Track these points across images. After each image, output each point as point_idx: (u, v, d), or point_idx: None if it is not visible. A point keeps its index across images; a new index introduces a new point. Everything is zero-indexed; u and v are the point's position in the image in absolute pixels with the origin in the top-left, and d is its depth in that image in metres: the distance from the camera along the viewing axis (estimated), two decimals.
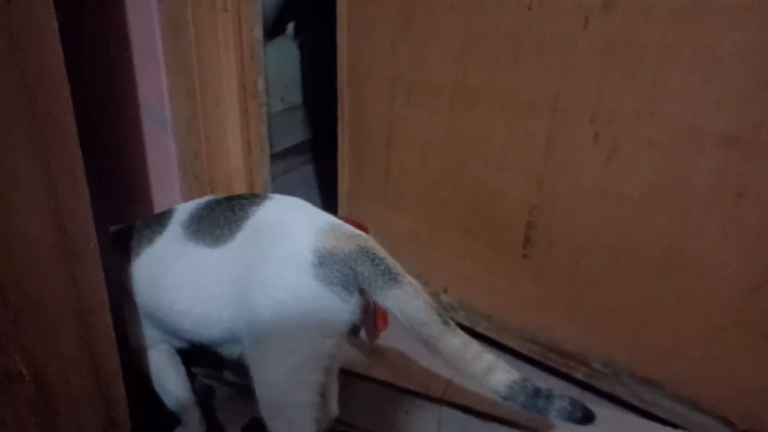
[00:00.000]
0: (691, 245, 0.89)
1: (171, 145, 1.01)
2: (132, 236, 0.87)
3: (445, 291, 1.24)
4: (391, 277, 0.73)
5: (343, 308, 0.74)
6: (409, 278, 0.74)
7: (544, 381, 0.94)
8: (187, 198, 1.03)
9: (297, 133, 2.40)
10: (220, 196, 0.87)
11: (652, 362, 0.99)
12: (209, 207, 0.84)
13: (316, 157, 2.50)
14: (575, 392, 1.08)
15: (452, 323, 0.74)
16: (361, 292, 0.75)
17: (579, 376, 1.07)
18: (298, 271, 0.73)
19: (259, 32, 1.06)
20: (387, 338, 1.18)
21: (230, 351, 0.85)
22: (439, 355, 0.74)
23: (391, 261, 0.75)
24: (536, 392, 0.72)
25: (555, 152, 1.00)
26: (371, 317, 1.16)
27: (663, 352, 0.97)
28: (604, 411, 0.93)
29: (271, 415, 0.79)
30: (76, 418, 0.70)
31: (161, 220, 0.87)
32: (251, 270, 0.76)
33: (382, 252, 0.75)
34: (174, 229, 0.85)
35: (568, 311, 1.06)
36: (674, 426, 0.94)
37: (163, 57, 0.95)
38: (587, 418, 0.73)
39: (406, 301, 0.72)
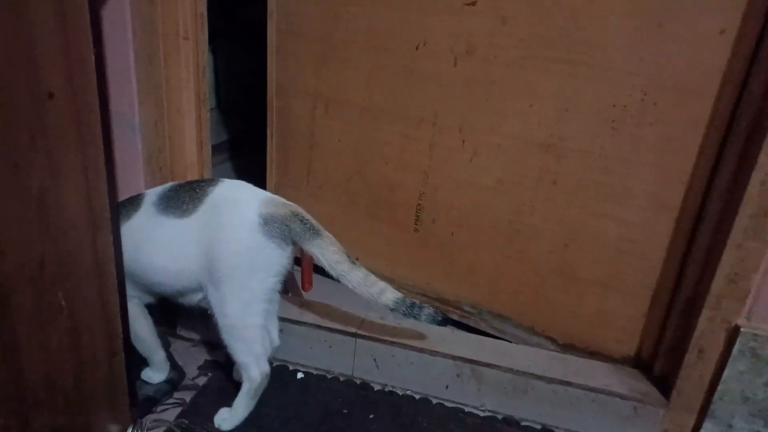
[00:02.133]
0: (525, 218, 1.30)
1: (138, 143, 1.25)
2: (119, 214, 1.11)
3: (357, 260, 1.57)
4: (315, 232, 1.06)
5: (281, 254, 1.06)
6: (326, 233, 1.08)
7: (428, 329, 1.30)
8: (150, 185, 1.28)
9: (213, 135, 2.61)
10: (181, 181, 1.14)
11: (503, 303, 1.38)
12: (174, 189, 1.12)
13: (232, 157, 2.73)
14: (450, 333, 1.45)
15: (357, 262, 1.08)
16: (294, 243, 1.07)
17: (455, 317, 1.45)
18: (248, 230, 1.04)
19: (206, 54, 1.33)
20: (312, 296, 1.49)
21: (191, 299, 1.14)
22: (348, 283, 1.08)
23: (314, 221, 1.08)
24: (412, 304, 1.10)
25: (435, 154, 1.37)
26: (301, 280, 1.47)
27: (510, 294, 1.37)
28: (471, 336, 1.32)
29: (230, 338, 1.08)
30: (91, 344, 0.94)
31: (135, 200, 1.13)
32: (213, 232, 1.05)
33: (307, 215, 1.09)
34: (147, 207, 1.11)
35: (446, 270, 1.43)
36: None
37: (134, 75, 1.20)
38: (445, 321, 1.12)
39: (325, 247, 1.06)
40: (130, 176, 1.28)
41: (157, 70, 1.19)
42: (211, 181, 1.11)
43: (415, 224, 1.45)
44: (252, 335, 1.08)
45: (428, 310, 1.10)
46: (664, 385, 1.18)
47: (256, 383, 1.10)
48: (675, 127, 1.10)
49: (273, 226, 1.04)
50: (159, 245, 1.08)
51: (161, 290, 1.14)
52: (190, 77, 1.24)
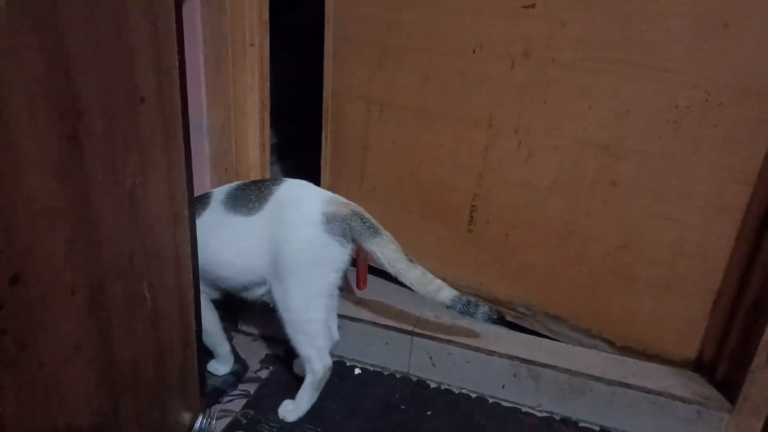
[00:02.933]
0: (581, 219, 1.30)
1: (206, 145, 1.31)
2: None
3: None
4: (374, 231, 1.10)
5: (342, 251, 1.10)
6: (385, 231, 1.12)
7: (485, 329, 1.32)
8: (215, 186, 1.33)
9: None
10: (246, 181, 1.18)
11: (558, 304, 1.39)
12: (240, 188, 1.17)
13: (279, 159, 2.80)
14: (506, 333, 1.46)
15: (414, 260, 1.10)
16: (354, 241, 1.10)
17: (508, 318, 1.45)
18: (312, 227, 1.08)
19: (268, 60, 1.39)
20: (367, 294, 1.52)
21: (255, 293, 1.19)
22: (406, 281, 1.11)
23: (374, 220, 1.12)
24: (468, 302, 1.13)
25: (490, 155, 1.38)
26: (356, 278, 1.50)
27: (565, 295, 1.37)
28: (526, 336, 1.33)
29: (294, 331, 1.13)
30: (169, 334, 0.99)
31: (203, 199, 1.18)
32: (278, 229, 1.10)
33: (367, 214, 1.13)
34: (215, 205, 1.16)
35: (499, 270, 1.45)
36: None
37: (204, 80, 1.26)
38: (500, 319, 1.15)
39: (385, 245, 1.09)
40: (198, 177, 1.31)
41: (225, 75, 1.25)
42: (276, 181, 1.16)
43: (469, 225, 1.46)
44: (314, 329, 1.12)
45: (484, 308, 1.12)
46: (728, 389, 1.16)
47: (319, 375, 1.14)
48: (739, 127, 1.09)
49: (335, 224, 1.08)
50: (227, 241, 1.13)
51: (227, 285, 1.19)
52: (255, 82, 1.29)
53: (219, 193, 1.18)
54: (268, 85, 1.35)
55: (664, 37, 1.12)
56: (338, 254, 1.10)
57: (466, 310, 1.12)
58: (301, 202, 1.12)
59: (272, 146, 2.73)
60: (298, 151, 2.66)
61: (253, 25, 1.25)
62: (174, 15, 0.86)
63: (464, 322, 1.31)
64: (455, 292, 1.12)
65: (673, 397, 1.15)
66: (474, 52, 1.33)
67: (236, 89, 1.27)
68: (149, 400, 0.96)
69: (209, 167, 1.33)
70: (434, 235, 1.53)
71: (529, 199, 1.35)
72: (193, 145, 1.28)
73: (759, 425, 1.11)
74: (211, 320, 1.24)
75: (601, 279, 1.31)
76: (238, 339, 1.41)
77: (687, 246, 1.19)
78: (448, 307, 1.12)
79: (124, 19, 0.77)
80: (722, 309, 1.18)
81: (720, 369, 1.19)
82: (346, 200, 1.14)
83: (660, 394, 1.16)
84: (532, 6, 1.22)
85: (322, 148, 1.66)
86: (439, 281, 1.12)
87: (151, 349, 0.94)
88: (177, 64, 0.89)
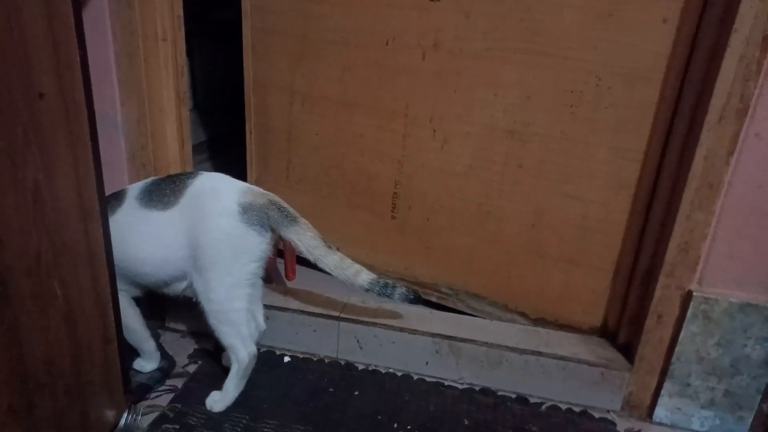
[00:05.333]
0: (495, 201, 1.37)
1: (121, 142, 1.30)
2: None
3: (338, 249, 1.63)
4: (292, 219, 1.13)
5: (261, 240, 1.12)
6: (303, 219, 1.15)
7: (408, 310, 1.37)
8: (132, 181, 1.32)
9: (192, 135, 2.65)
10: (161, 176, 1.18)
11: (478, 282, 1.46)
12: (155, 183, 1.17)
13: (211, 156, 2.77)
14: (428, 313, 1.52)
15: (333, 246, 1.14)
16: (272, 230, 1.13)
17: (433, 299, 1.52)
18: (229, 218, 1.10)
19: (184, 55, 1.38)
20: (296, 284, 1.55)
21: (176, 288, 1.19)
22: (325, 267, 1.14)
23: (291, 209, 1.15)
24: (386, 284, 1.17)
25: (408, 144, 1.44)
26: (285, 269, 1.52)
27: (484, 274, 1.44)
28: (448, 314, 1.39)
29: (217, 322, 1.14)
30: (87, 331, 0.99)
31: (118, 196, 1.17)
32: (195, 222, 1.11)
33: (284, 203, 1.15)
34: (130, 201, 1.15)
35: (423, 254, 1.51)
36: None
37: (116, 75, 1.24)
38: (416, 299, 1.19)
39: (302, 233, 1.13)
40: (114, 174, 1.32)
41: (138, 70, 1.24)
42: (190, 174, 1.16)
43: (392, 212, 1.51)
44: (237, 318, 1.13)
45: (400, 290, 1.17)
46: (628, 351, 1.27)
47: (244, 364, 1.16)
48: (628, 110, 1.18)
49: (252, 213, 1.10)
50: (144, 237, 1.13)
51: (147, 281, 1.18)
52: (169, 77, 1.29)
53: (133, 189, 1.17)
54: (185, 80, 1.35)
55: (560, 27, 1.20)
56: (256, 244, 1.12)
57: (384, 292, 1.17)
58: (217, 193, 1.13)
59: (202, 143, 2.73)
60: (228, 147, 2.64)
61: (164, 20, 1.24)
62: (72, 10, 0.86)
63: (389, 306, 1.36)
64: (373, 276, 1.17)
65: (580, 361, 1.25)
66: (387, 44, 1.38)
67: (150, 84, 1.26)
68: (68, 398, 0.96)
69: (126, 164, 1.31)
70: (361, 223, 1.57)
71: (446, 184, 1.42)
72: (107, 142, 1.28)
73: (654, 381, 1.22)
74: (133, 318, 1.23)
75: (515, 257, 1.39)
76: (166, 336, 1.41)
77: (590, 222, 1.29)
78: (366, 290, 1.16)
79: (17, 12, 0.76)
80: (621, 279, 1.28)
81: (621, 333, 1.29)
82: (262, 190, 1.16)
83: (569, 359, 1.25)
84: None
85: (247, 142, 1.67)
86: (357, 266, 1.16)
87: (67, 346, 0.94)
88: (79, 59, 0.89)
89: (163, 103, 1.29)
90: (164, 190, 1.14)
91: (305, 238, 1.12)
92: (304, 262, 1.52)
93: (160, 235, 1.13)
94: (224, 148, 2.80)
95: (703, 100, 1.04)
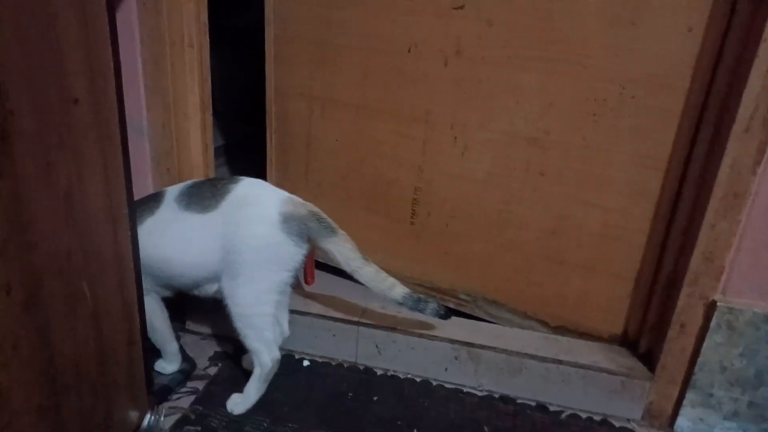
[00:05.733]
0: (514, 208, 1.37)
1: (146, 146, 1.32)
2: (134, 211, 1.16)
3: None
4: (331, 230, 1.13)
5: (297, 251, 1.12)
6: (341, 231, 1.15)
7: (427, 316, 1.38)
8: (158, 186, 1.34)
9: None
10: (202, 179, 1.18)
11: (496, 289, 1.46)
12: (196, 186, 1.17)
13: (228, 161, 2.79)
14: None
15: (369, 259, 1.15)
16: (310, 241, 1.13)
17: (451, 305, 1.52)
18: (269, 227, 1.10)
19: (208, 61, 1.40)
20: (314, 288, 1.55)
21: (208, 290, 1.20)
22: (361, 279, 1.15)
23: (330, 220, 1.15)
24: (419, 299, 1.18)
25: (429, 150, 1.44)
26: (304, 274, 1.53)
27: (502, 281, 1.44)
28: (467, 321, 1.39)
29: (242, 325, 1.15)
30: (112, 332, 1.00)
31: (157, 197, 1.18)
32: (234, 227, 1.11)
33: (324, 214, 1.16)
34: (169, 203, 1.16)
35: (441, 260, 1.51)
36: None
37: (142, 81, 1.26)
38: (447, 315, 1.20)
39: (341, 244, 1.13)
40: (139, 178, 1.33)
41: (164, 76, 1.26)
42: (232, 179, 1.17)
43: (411, 218, 1.52)
44: (263, 323, 1.14)
45: (433, 305, 1.18)
46: (650, 360, 1.26)
47: (267, 368, 1.16)
48: (651, 118, 1.18)
49: (292, 223, 1.11)
50: (181, 239, 1.14)
51: (180, 282, 1.19)
52: (194, 83, 1.31)
53: (172, 191, 1.18)
54: (209, 85, 1.37)
55: (582, 34, 1.20)
56: (293, 254, 1.13)
57: (417, 307, 1.18)
58: (259, 201, 1.14)
59: (220, 148, 2.75)
60: (245, 152, 2.66)
61: (191, 26, 1.26)
62: (107, 16, 0.88)
63: (408, 312, 1.36)
64: (407, 290, 1.17)
65: (600, 370, 1.24)
66: (409, 51, 1.38)
67: (176, 90, 1.28)
68: (93, 398, 0.97)
69: (150, 168, 1.33)
70: (379, 229, 1.58)
71: (466, 191, 1.42)
72: (133, 146, 1.29)
73: (676, 391, 1.21)
74: (160, 319, 1.24)
75: (534, 264, 1.39)
76: (187, 338, 1.42)
77: (610, 230, 1.28)
78: (399, 303, 1.17)
79: (53, 20, 0.78)
80: (643, 287, 1.27)
81: (642, 342, 1.28)
82: (302, 200, 1.17)
83: (589, 368, 1.25)
84: (461, 7, 1.29)
85: (267, 147, 1.68)
86: (392, 279, 1.17)
87: (94, 347, 0.95)
88: (112, 65, 0.91)
89: (188, 109, 1.31)
90: (204, 193, 1.14)
91: (343, 250, 1.13)
92: (321, 266, 1.54)
93: (197, 237, 1.13)
94: (241, 152, 2.82)
95: (729, 110, 1.04)
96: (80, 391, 0.93)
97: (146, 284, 1.20)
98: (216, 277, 1.16)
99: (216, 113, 2.91)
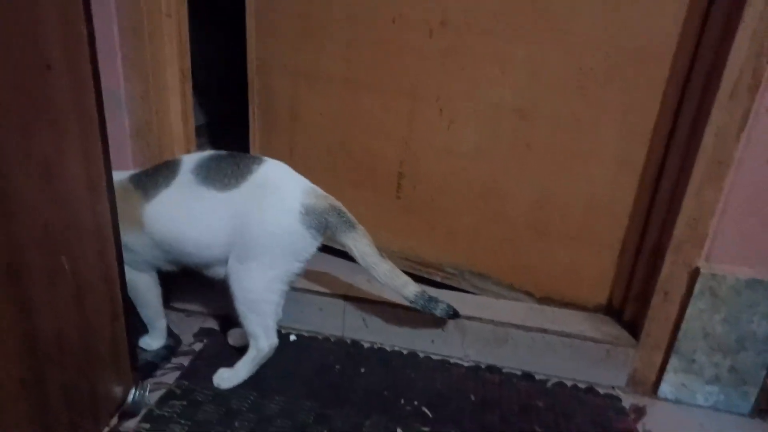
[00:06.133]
0: (500, 180, 1.37)
1: (125, 119, 1.28)
2: (148, 181, 1.12)
3: None
4: (350, 225, 1.12)
5: (313, 243, 1.11)
6: (360, 226, 1.13)
7: None
8: (138, 160, 1.31)
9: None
10: (221, 152, 1.14)
11: (483, 262, 1.46)
12: (215, 159, 1.11)
13: (211, 140, 2.75)
14: (436, 290, 1.52)
15: (385, 255, 1.14)
16: (327, 233, 1.11)
17: (437, 279, 1.52)
18: (289, 217, 1.08)
19: (187, 31, 1.37)
20: None
21: (216, 272, 1.16)
22: (375, 275, 1.14)
23: (350, 214, 1.13)
24: (430, 298, 1.17)
25: (415, 123, 1.43)
26: None
27: (489, 253, 1.44)
28: (454, 293, 1.39)
29: (246, 309, 1.13)
30: (94, 306, 0.98)
31: (171, 167, 1.12)
32: (253, 211, 1.07)
33: (344, 208, 1.13)
34: (185, 175, 1.10)
35: (428, 234, 1.50)
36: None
37: (120, 50, 1.23)
38: (455, 314, 1.19)
39: (359, 240, 1.12)
40: (119, 151, 1.30)
41: (142, 46, 1.22)
42: (255, 159, 1.12)
43: (397, 192, 1.51)
44: (267, 309, 1.13)
45: (443, 305, 1.18)
46: (634, 328, 1.27)
47: (263, 353, 1.16)
48: (637, 88, 1.18)
49: (312, 216, 1.08)
50: (196, 215, 1.09)
51: (190, 261, 1.15)
52: (174, 54, 1.27)
53: (188, 162, 1.13)
54: (188, 57, 1.33)
55: (568, 3, 1.19)
56: (308, 246, 1.11)
57: (427, 306, 1.17)
58: (282, 188, 1.10)
59: (202, 126, 2.71)
60: (228, 130, 2.62)
61: None
62: None
63: None
64: (419, 288, 1.16)
65: (585, 338, 1.25)
66: (394, 21, 1.36)
67: (154, 61, 1.24)
68: (77, 372, 0.95)
69: (130, 141, 1.30)
70: (365, 203, 1.56)
71: (452, 164, 1.41)
72: (111, 118, 1.26)
73: (659, 358, 1.23)
74: (154, 295, 1.23)
75: (521, 236, 1.39)
76: (171, 315, 1.40)
77: (596, 200, 1.28)
78: (411, 302, 1.16)
79: None
80: (627, 256, 1.29)
81: (627, 311, 1.30)
82: (324, 193, 1.14)
83: (574, 337, 1.26)
84: None
85: (250, 123, 1.66)
86: (405, 277, 1.16)
87: (75, 320, 0.94)
88: (85, 31, 0.87)
89: (167, 80, 1.28)
90: (225, 170, 1.09)
91: (360, 245, 1.12)
92: None
93: (212, 215, 1.09)
94: (224, 131, 2.78)
95: (715, 77, 1.04)
96: (63, 365, 0.92)
97: (153, 260, 1.17)
98: (225, 259, 1.12)
99: (197, 91, 2.86)
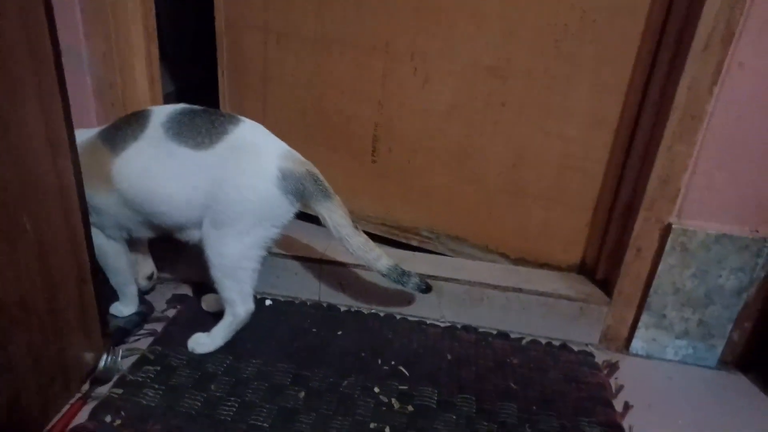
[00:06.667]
0: (475, 140, 1.36)
1: (87, 78, 1.23)
2: (116, 134, 1.06)
3: None
4: (326, 194, 1.08)
5: (290, 209, 1.07)
6: (336, 196, 1.10)
7: (392, 253, 1.37)
8: (101, 120, 1.26)
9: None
10: (195, 106, 1.08)
11: (458, 224, 1.46)
12: (187, 114, 1.06)
13: None
14: (411, 254, 1.52)
15: (359, 228, 1.11)
16: (302, 201, 1.08)
17: (414, 243, 1.52)
18: (266, 182, 1.03)
19: None
20: None
21: (191, 235, 1.12)
22: (349, 247, 1.11)
23: (326, 183, 1.09)
24: (403, 272, 1.15)
25: (389, 83, 1.40)
26: None
27: (464, 216, 1.44)
28: (430, 256, 1.39)
29: (222, 275, 1.10)
30: (60, 269, 0.95)
31: (140, 119, 1.06)
32: (227, 174, 1.03)
33: (321, 176, 1.09)
34: (156, 128, 1.05)
35: (403, 197, 1.49)
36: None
37: (78, 4, 1.17)
38: (428, 288, 1.18)
39: (334, 210, 1.09)
40: (82, 111, 1.25)
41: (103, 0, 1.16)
42: (232, 118, 1.07)
43: (372, 155, 1.49)
44: (244, 276, 1.10)
45: (415, 279, 1.16)
46: (606, 286, 1.29)
47: (240, 318, 1.14)
48: (612, 43, 1.17)
49: (289, 181, 1.04)
50: (167, 173, 1.04)
51: (163, 221, 1.10)
52: (137, 10, 1.22)
53: (159, 114, 1.07)
54: (153, 14, 1.28)
55: None
56: (285, 212, 1.07)
57: (400, 280, 1.15)
58: (258, 151, 1.06)
59: (171, 94, 2.63)
60: (198, 97, 2.56)
61: None
62: None
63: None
64: (392, 262, 1.14)
65: (559, 297, 1.27)
66: None
67: (116, 17, 1.19)
68: (43, 335, 0.93)
69: (93, 101, 1.25)
70: (340, 167, 1.54)
71: (427, 125, 1.39)
72: (73, 77, 1.20)
73: (631, 315, 1.25)
74: (123, 261, 1.19)
75: (495, 197, 1.38)
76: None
77: (570, 160, 1.28)
78: (383, 275, 1.14)
79: None
80: (601, 215, 1.29)
81: (600, 269, 1.32)
82: (302, 158, 1.10)
83: (549, 295, 1.27)
84: None
85: (219, 84, 1.61)
86: (378, 250, 1.14)
87: (40, 282, 0.91)
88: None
89: (131, 38, 1.22)
90: (199, 128, 1.04)
91: (335, 216, 1.09)
92: None
93: (184, 174, 1.04)
94: (193, 98, 2.71)
95: (689, 28, 1.03)
96: (28, 327, 0.89)
97: (124, 221, 1.12)
98: (199, 223, 1.09)
99: (165, 57, 2.77)
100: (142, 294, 1.31)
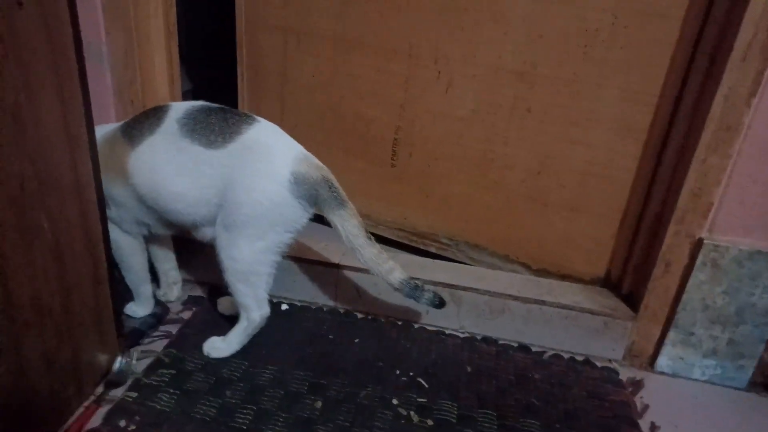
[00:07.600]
0: (498, 147, 1.33)
1: (107, 75, 1.21)
2: (135, 127, 1.05)
3: None
4: (340, 202, 1.05)
5: (303, 215, 1.04)
6: (350, 204, 1.06)
7: (410, 260, 1.34)
8: (120, 117, 1.24)
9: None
10: (211, 104, 1.06)
11: (478, 233, 1.43)
12: (203, 111, 1.04)
13: None
14: (430, 261, 1.49)
15: (372, 238, 1.08)
16: (315, 206, 1.05)
17: (432, 249, 1.49)
18: (278, 184, 1.00)
19: None
20: None
21: (204, 234, 1.10)
22: (361, 258, 1.07)
23: (341, 191, 1.06)
24: (415, 287, 1.11)
25: (411, 86, 1.37)
26: None
27: (484, 224, 1.41)
28: (449, 264, 1.35)
29: (235, 280, 1.07)
30: (75, 269, 0.93)
31: (159, 114, 1.05)
32: (240, 175, 1.00)
33: (336, 183, 1.06)
34: (171, 124, 1.03)
35: (422, 203, 1.46)
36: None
37: (100, 1, 1.15)
38: (441, 303, 1.13)
39: (347, 219, 1.05)
40: (101, 109, 1.23)
41: None
42: (247, 118, 1.05)
43: (392, 159, 1.46)
44: (258, 281, 1.08)
45: (429, 294, 1.11)
46: (632, 300, 1.25)
47: (254, 324, 1.11)
48: (644, 49, 1.13)
49: (302, 186, 1.01)
50: (179, 169, 1.02)
51: (177, 219, 1.08)
52: (158, 6, 1.20)
53: (176, 109, 1.05)
54: (174, 11, 1.26)
55: None
56: (298, 217, 1.04)
57: (413, 294, 1.10)
58: (272, 153, 1.02)
59: (187, 93, 2.62)
60: (214, 97, 2.55)
61: None
62: None
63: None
64: (405, 275, 1.10)
65: (582, 310, 1.23)
66: None
67: (137, 12, 1.17)
68: (58, 339, 0.91)
69: (113, 98, 1.23)
70: (358, 171, 1.52)
71: (449, 130, 1.36)
72: (93, 74, 1.19)
73: (658, 331, 1.21)
74: (140, 260, 1.18)
75: (517, 205, 1.35)
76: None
77: (595, 168, 1.25)
78: (396, 289, 1.10)
79: None
80: (627, 227, 1.26)
81: (625, 283, 1.27)
82: (318, 162, 1.07)
83: (571, 308, 1.23)
84: None
85: (239, 85, 1.59)
86: (392, 262, 1.10)
87: (55, 284, 0.88)
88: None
89: (151, 34, 1.21)
90: (213, 126, 1.02)
91: (348, 225, 1.05)
92: None
93: (197, 172, 1.02)
94: (209, 98, 2.70)
95: (727, 37, 1.00)
96: (42, 330, 0.87)
97: (140, 217, 1.11)
98: (213, 222, 1.06)
99: (183, 57, 2.77)
100: (156, 296, 1.28)
